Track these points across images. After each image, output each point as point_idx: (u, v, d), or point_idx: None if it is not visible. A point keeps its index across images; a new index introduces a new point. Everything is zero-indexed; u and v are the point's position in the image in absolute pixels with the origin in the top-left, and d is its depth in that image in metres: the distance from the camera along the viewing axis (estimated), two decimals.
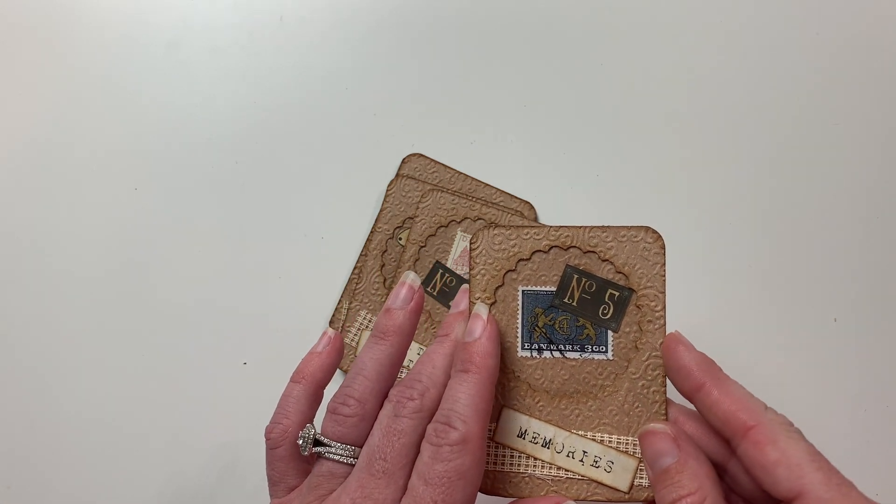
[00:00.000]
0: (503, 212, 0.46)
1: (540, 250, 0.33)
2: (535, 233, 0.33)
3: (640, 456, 0.31)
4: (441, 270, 0.46)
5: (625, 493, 0.31)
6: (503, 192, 0.49)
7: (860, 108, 0.51)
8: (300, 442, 0.31)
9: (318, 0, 0.54)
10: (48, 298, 0.49)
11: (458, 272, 0.46)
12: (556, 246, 0.33)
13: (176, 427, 0.46)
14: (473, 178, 0.49)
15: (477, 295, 0.32)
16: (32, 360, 0.48)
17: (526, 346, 0.32)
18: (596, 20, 0.53)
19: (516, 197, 0.48)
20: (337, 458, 0.30)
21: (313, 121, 0.52)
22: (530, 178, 0.50)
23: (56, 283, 0.49)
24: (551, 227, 0.33)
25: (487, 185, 0.49)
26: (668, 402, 0.32)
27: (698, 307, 0.47)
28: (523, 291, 0.32)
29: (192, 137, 0.51)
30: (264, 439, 0.32)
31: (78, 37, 0.53)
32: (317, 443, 0.31)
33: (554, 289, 0.32)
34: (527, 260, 0.33)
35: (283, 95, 0.52)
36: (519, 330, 0.32)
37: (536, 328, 0.32)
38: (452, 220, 0.46)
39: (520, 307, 0.32)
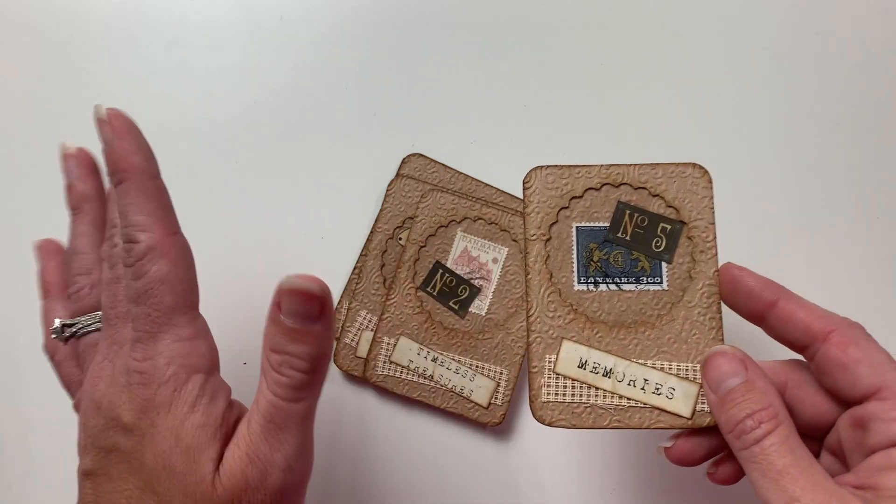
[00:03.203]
0: (503, 212, 0.46)
1: (592, 188, 0.34)
2: (586, 171, 0.34)
3: (700, 382, 0.31)
4: (441, 270, 0.46)
5: (687, 418, 0.31)
6: (503, 192, 0.49)
7: (860, 108, 0.51)
8: (54, 336, 0.31)
9: None
10: None
11: (458, 272, 0.46)
12: (607, 183, 0.34)
13: None
14: (473, 178, 0.49)
15: (532, 232, 0.33)
16: (33, 359, 0.48)
17: (582, 280, 0.33)
18: (596, 19, 0.53)
19: (516, 197, 0.48)
20: (91, 328, 0.31)
21: (313, 120, 0.52)
22: None
23: None
24: (602, 165, 0.34)
25: (487, 185, 0.49)
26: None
27: None
28: (577, 228, 0.33)
29: (192, 137, 0.51)
30: (48, 359, 0.33)
31: (78, 36, 0.53)
32: (65, 327, 0.31)
33: (607, 224, 0.33)
34: (579, 197, 0.34)
35: (282, 95, 0.52)
36: (574, 265, 0.33)
37: (592, 263, 0.33)
38: (452, 220, 0.46)
39: (574, 243, 0.33)
